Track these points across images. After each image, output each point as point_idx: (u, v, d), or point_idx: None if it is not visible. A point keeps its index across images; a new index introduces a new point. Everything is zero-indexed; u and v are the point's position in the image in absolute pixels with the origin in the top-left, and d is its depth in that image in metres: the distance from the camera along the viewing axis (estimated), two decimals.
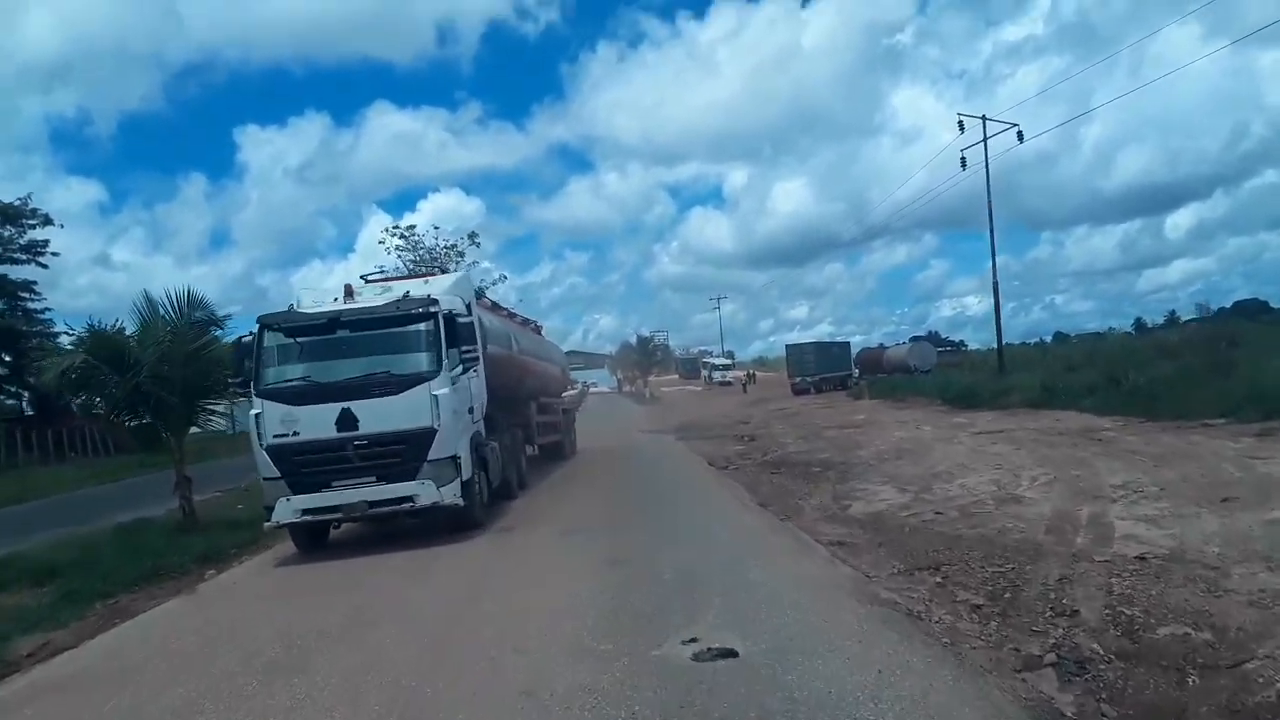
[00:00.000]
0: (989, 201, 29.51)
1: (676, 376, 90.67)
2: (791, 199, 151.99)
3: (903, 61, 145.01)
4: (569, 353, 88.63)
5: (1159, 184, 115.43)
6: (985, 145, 29.44)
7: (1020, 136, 29.33)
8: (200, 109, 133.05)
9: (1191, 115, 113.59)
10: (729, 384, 76.44)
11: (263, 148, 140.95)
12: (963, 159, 30.61)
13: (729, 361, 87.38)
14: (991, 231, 30.22)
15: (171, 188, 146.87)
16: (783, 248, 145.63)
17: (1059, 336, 76.64)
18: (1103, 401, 18.68)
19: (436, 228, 31.19)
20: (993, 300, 31.44)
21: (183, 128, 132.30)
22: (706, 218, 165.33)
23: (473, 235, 31.45)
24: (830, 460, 14.90)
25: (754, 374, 64.95)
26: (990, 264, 32.47)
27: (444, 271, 18.82)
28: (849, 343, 67.61)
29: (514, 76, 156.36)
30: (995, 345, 31.89)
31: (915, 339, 64.15)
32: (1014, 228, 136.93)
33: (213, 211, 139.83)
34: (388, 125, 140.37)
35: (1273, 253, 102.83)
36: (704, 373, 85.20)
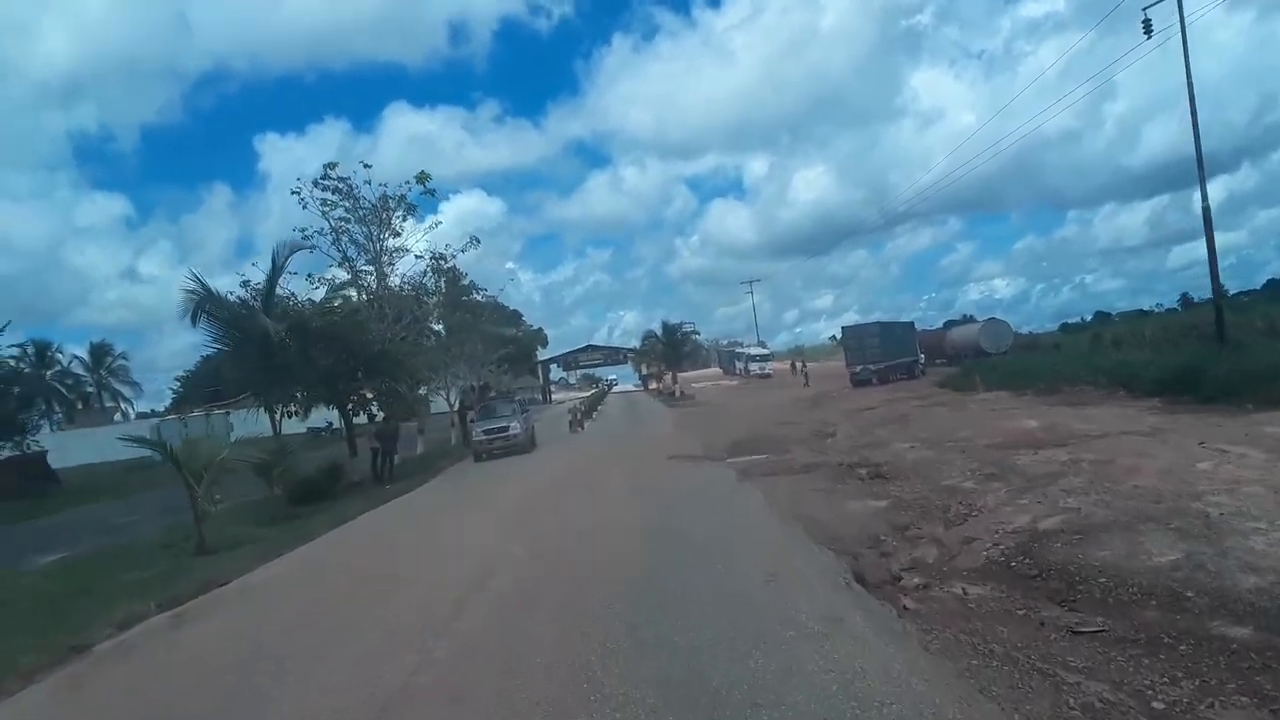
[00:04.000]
0: (1189, 80, 19.55)
1: (718, 370, 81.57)
2: (812, 187, 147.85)
3: (922, 43, 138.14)
4: (586, 348, 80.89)
5: (1186, 158, 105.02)
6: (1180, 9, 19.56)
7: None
8: (218, 119, 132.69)
9: (1217, 88, 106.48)
10: (768, 376, 67.64)
11: (283, 155, 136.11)
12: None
13: (766, 351, 77.77)
14: (1196, 133, 20.16)
15: (195, 199, 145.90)
16: (805, 236, 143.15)
17: (1100, 316, 73.14)
18: None
19: (367, 165, 21.78)
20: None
21: (202, 138, 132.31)
22: (727, 209, 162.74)
23: (421, 176, 22.03)
24: (1188, 569, 5.40)
25: (804, 364, 54.91)
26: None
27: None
28: (913, 324, 57.62)
29: (529, 73, 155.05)
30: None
31: (990, 318, 53.63)
32: (1039, 209, 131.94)
33: (238, 221, 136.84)
34: (405, 127, 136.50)
35: None
36: (739, 364, 75.88)
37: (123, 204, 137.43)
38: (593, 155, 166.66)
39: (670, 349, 56.66)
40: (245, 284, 17.15)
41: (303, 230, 21.88)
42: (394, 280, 23.44)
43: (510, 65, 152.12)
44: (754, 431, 21.56)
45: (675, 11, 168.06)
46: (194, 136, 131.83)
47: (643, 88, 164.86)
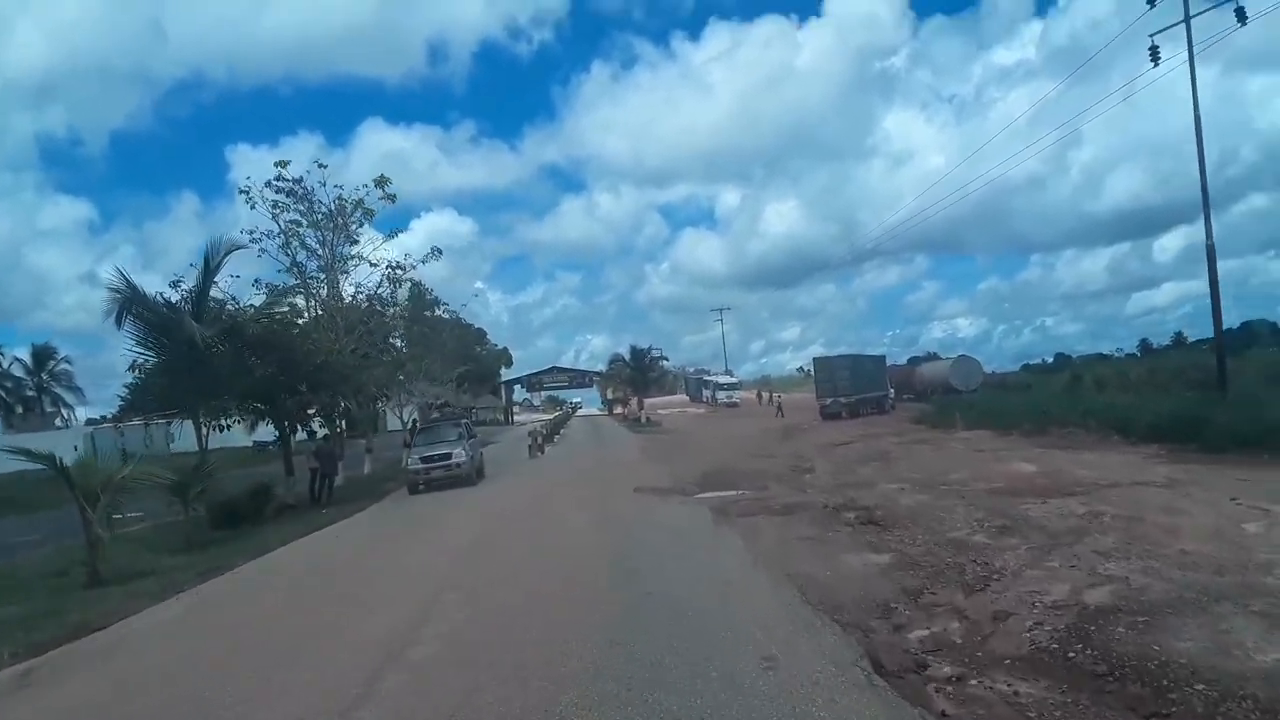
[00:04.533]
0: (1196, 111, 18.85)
1: (684, 398, 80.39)
2: (783, 220, 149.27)
3: (895, 85, 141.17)
4: (551, 369, 79.21)
5: (1147, 207, 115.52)
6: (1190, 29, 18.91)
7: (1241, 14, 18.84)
8: (189, 128, 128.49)
9: (1180, 140, 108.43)
10: (735, 405, 66.53)
11: (254, 166, 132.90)
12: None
13: (734, 380, 76.78)
14: (1200, 152, 19.35)
15: (162, 206, 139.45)
16: (774, 269, 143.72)
17: (1061, 358, 72.79)
18: None
19: (323, 165, 20.26)
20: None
21: (172, 146, 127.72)
22: (698, 239, 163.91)
23: (380, 180, 20.60)
24: None
25: (777, 395, 53.82)
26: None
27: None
28: (884, 357, 56.99)
29: (506, 96, 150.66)
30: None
31: (961, 356, 53.10)
32: (1004, 251, 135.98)
33: (204, 230, 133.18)
34: (380, 143, 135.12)
35: (1260, 276, 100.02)
36: (706, 393, 74.74)
37: (87, 208, 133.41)
38: (567, 180, 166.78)
39: (638, 374, 55.20)
40: (175, 284, 15.47)
41: (250, 231, 20.25)
42: (348, 289, 21.84)
43: (488, 87, 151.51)
44: (726, 463, 20.19)
45: (655, 43, 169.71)
46: (164, 144, 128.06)
47: (620, 116, 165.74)
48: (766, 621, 6.23)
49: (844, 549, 8.98)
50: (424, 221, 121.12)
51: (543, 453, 28.27)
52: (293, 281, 20.86)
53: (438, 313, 33.21)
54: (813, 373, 48.01)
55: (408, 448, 26.82)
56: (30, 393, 55.17)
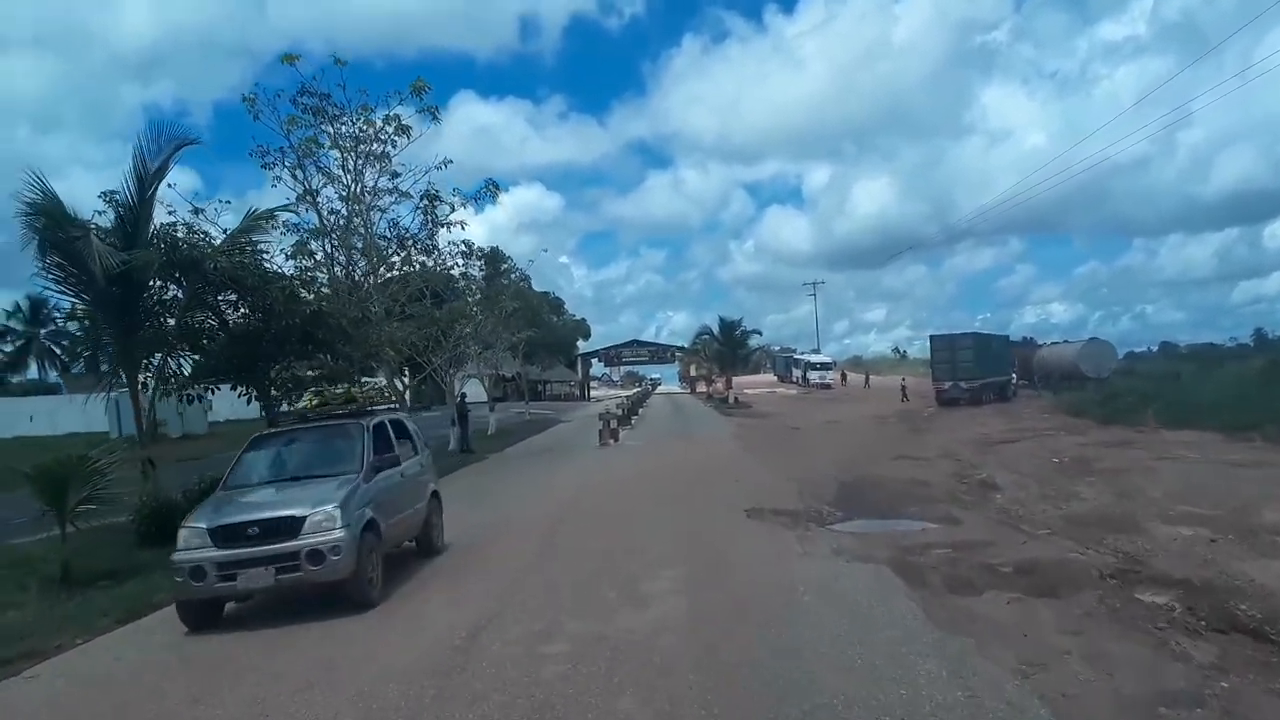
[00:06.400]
0: None
1: (772, 377, 74.85)
2: (873, 199, 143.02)
3: (995, 60, 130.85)
4: (631, 343, 74.75)
5: (1258, 191, 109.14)
6: None
7: None
8: (287, 103, 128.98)
9: None
10: (829, 386, 60.69)
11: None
12: None
13: (829, 359, 70.52)
14: None
15: (260, 181, 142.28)
16: (862, 249, 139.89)
17: (1166, 347, 69.13)
18: None
19: (342, 63, 15.93)
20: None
21: (270, 120, 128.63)
22: (785, 217, 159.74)
23: (416, 85, 16.09)
24: None
25: (903, 377, 47.68)
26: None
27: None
28: (1008, 337, 50.05)
29: (596, 71, 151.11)
30: None
31: (1092, 339, 45.83)
32: (1103, 235, 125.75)
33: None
34: (471, 117, 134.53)
35: None
36: (796, 372, 68.81)
37: (193, 179, 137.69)
38: (654, 155, 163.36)
39: (727, 349, 49.54)
40: (108, 196, 11.01)
41: (260, 149, 15.96)
42: (380, 225, 17.34)
43: (578, 62, 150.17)
44: (860, 466, 14.89)
45: (746, 16, 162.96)
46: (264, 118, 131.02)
47: (709, 90, 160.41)
48: None
49: None
50: (512, 196, 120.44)
51: (615, 440, 22.76)
52: (308, 217, 16.46)
53: (504, 269, 28.86)
54: (931, 351, 41.49)
55: (453, 426, 22.56)
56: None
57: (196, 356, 11.91)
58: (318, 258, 16.13)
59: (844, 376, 65.92)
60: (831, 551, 7.97)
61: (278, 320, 11.87)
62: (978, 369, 38.48)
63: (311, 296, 12.65)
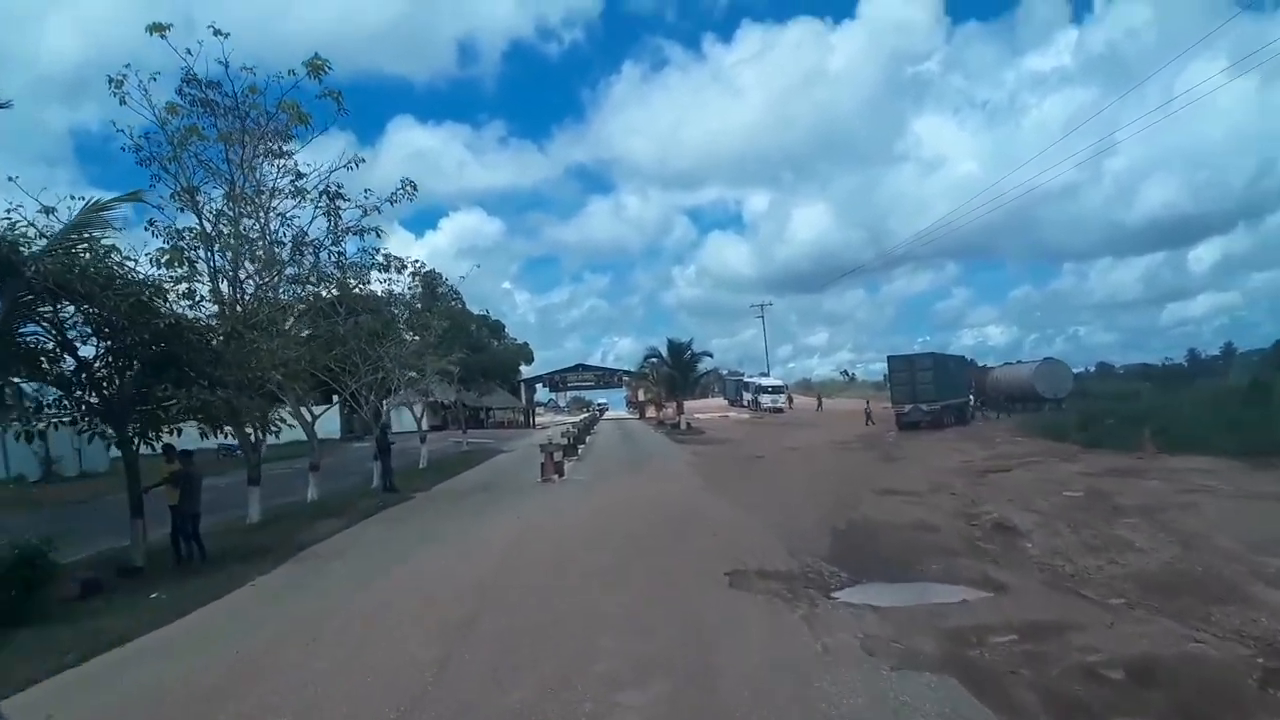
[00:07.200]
0: None
1: (722, 401, 72.83)
2: (812, 225, 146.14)
3: (928, 90, 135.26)
4: (577, 367, 72.08)
5: (1181, 216, 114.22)
6: None
7: None
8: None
9: (1215, 149, 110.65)
10: (780, 410, 58.92)
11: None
12: None
13: (780, 383, 68.96)
14: None
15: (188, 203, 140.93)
16: (803, 273, 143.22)
17: (1103, 368, 71.30)
18: None
19: (222, 34, 13.30)
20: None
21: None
22: (726, 242, 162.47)
23: (314, 63, 13.58)
24: None
25: (867, 401, 46.02)
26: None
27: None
28: (965, 358, 48.98)
29: (535, 97, 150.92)
30: None
31: (1046, 359, 44.91)
32: (1035, 259, 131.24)
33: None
34: (408, 141, 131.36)
35: None
36: (747, 396, 67.03)
37: (126, 209, 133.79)
38: (595, 181, 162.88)
39: (677, 373, 47.26)
40: None
41: (127, 131, 13.22)
42: (273, 224, 14.66)
43: (517, 87, 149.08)
44: (846, 506, 12.70)
45: (685, 44, 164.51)
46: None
47: (649, 117, 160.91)
48: None
49: None
50: (452, 220, 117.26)
51: (560, 475, 19.89)
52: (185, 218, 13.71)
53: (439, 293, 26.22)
54: (889, 373, 40.01)
55: (376, 461, 19.74)
56: None
57: (42, 384, 9.23)
58: (197, 266, 13.35)
59: (790, 400, 64.58)
60: (860, 647, 5.65)
61: (120, 337, 9.17)
62: (937, 391, 37.05)
63: (164, 308, 9.87)
